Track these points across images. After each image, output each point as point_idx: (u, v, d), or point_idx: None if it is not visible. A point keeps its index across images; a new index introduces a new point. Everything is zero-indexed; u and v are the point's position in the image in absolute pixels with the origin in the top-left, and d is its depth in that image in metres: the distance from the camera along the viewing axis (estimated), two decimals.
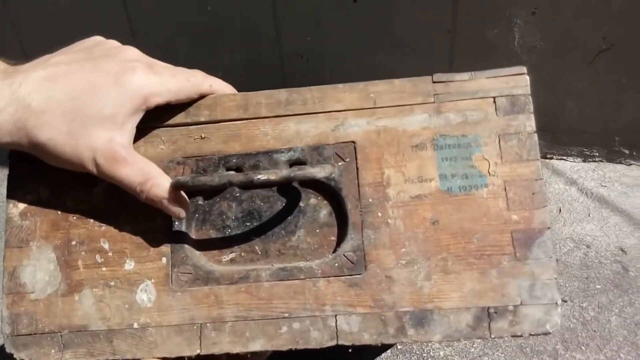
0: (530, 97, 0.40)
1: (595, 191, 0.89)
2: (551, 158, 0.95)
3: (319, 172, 0.38)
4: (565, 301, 0.75)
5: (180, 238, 0.42)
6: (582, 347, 0.70)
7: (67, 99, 0.36)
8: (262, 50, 0.96)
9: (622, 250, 0.80)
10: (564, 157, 0.95)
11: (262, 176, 0.37)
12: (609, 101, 0.86)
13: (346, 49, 0.92)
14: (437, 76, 0.41)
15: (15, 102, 0.35)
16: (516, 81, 0.40)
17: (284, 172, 0.37)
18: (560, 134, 0.92)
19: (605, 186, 0.90)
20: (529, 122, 0.40)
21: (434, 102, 0.41)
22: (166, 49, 0.97)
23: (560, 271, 0.78)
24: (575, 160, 0.94)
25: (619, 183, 0.90)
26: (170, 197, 0.39)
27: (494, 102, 0.40)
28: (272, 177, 0.37)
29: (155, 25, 0.95)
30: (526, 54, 0.84)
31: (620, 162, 0.92)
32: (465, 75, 0.41)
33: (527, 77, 0.40)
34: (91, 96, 0.37)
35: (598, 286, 0.76)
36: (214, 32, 0.94)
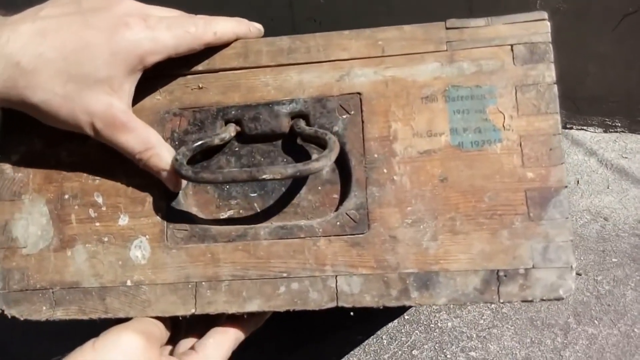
0: (550, 45, 0.37)
1: (616, 162, 0.86)
2: (571, 128, 0.92)
3: (324, 164, 0.36)
4: (579, 274, 0.73)
5: (176, 193, 0.40)
6: (595, 321, 0.68)
7: (58, 58, 0.35)
8: (274, 14, 0.94)
9: None
10: (584, 127, 0.92)
11: (267, 175, 0.35)
12: (634, 67, 0.83)
13: (360, 12, 0.89)
14: (451, 22, 0.38)
15: (3, 60, 0.34)
16: (536, 27, 0.37)
17: (289, 170, 0.35)
18: (582, 102, 0.89)
19: (627, 157, 0.87)
20: (549, 72, 0.37)
21: (446, 50, 0.38)
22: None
23: (576, 244, 0.76)
24: (596, 131, 0.91)
25: None
26: (169, 172, 0.38)
27: (512, 50, 0.37)
28: (277, 176, 0.35)
29: None
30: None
31: None
32: (480, 21, 0.38)
33: (548, 23, 0.38)
34: (83, 56, 0.35)
35: (614, 259, 0.74)
36: None
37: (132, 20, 0.36)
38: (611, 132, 0.91)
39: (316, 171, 0.36)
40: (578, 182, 0.85)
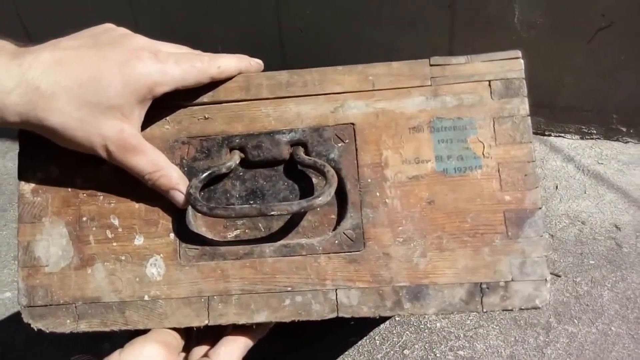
0: (524, 81, 0.41)
1: (592, 168, 0.90)
2: (549, 135, 0.96)
3: (325, 199, 0.39)
4: (559, 276, 0.77)
5: (186, 215, 0.43)
6: (575, 320, 0.72)
7: (74, 86, 0.37)
8: (261, 24, 0.96)
9: (617, 227, 0.82)
10: (562, 134, 0.96)
11: (275, 212, 0.39)
12: (607, 79, 0.87)
13: (346, 23, 0.92)
14: (434, 59, 0.42)
15: (24, 84, 0.36)
16: (511, 65, 0.41)
17: (294, 207, 0.39)
18: (558, 110, 0.93)
19: (602, 163, 0.91)
20: (523, 106, 0.41)
21: (431, 85, 0.42)
22: (164, 22, 0.97)
23: (555, 247, 0.80)
24: (573, 138, 0.95)
25: (615, 160, 0.91)
26: (176, 191, 0.42)
27: (489, 85, 0.41)
28: (284, 212, 0.39)
29: None
30: (526, 30, 0.84)
31: (617, 140, 0.93)
32: (461, 59, 0.42)
33: (522, 61, 0.41)
34: (97, 85, 0.38)
35: (592, 262, 0.78)
36: (213, 4, 0.93)
37: (143, 54, 0.39)
38: (587, 139, 0.95)
39: (318, 206, 0.40)
40: (557, 187, 0.89)
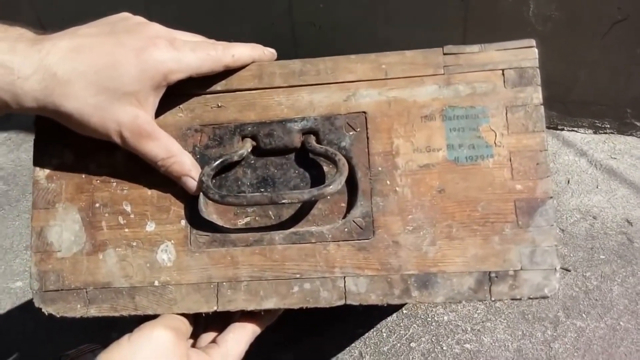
0: (538, 70, 0.41)
1: (605, 163, 0.90)
2: (562, 129, 0.96)
3: (336, 188, 0.40)
4: (569, 270, 0.76)
5: (198, 202, 0.44)
6: (583, 315, 0.72)
7: (90, 72, 0.38)
8: (274, 19, 0.96)
9: (628, 222, 0.81)
10: (575, 129, 0.95)
11: (286, 200, 0.39)
12: (622, 73, 0.86)
13: (359, 17, 0.92)
14: (448, 48, 0.42)
15: (42, 70, 0.37)
16: (525, 54, 0.41)
17: (305, 195, 0.39)
18: (572, 105, 0.92)
19: (615, 158, 0.90)
20: (536, 94, 0.41)
21: (444, 74, 0.42)
22: (178, 18, 0.98)
23: (566, 241, 0.80)
24: (586, 132, 0.95)
25: (628, 155, 0.90)
26: (189, 177, 0.42)
27: (503, 74, 0.41)
28: (295, 201, 0.40)
29: None
30: (540, 24, 0.84)
31: (631, 134, 0.93)
32: (475, 48, 0.42)
33: (536, 50, 0.41)
34: (113, 71, 0.38)
35: (602, 256, 0.78)
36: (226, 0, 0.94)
37: (159, 42, 0.40)
38: (600, 133, 0.94)
39: (329, 195, 0.40)
40: (569, 181, 0.88)
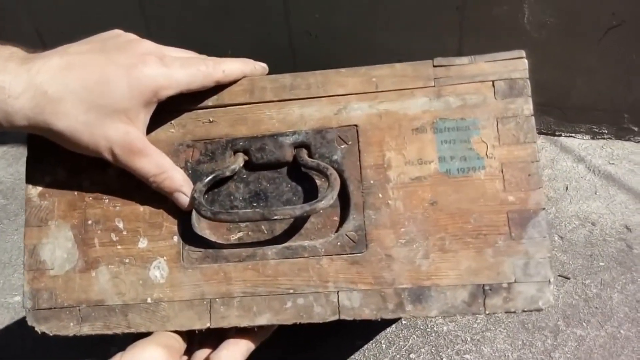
0: (528, 81, 0.41)
1: (603, 169, 0.89)
2: (559, 135, 0.95)
3: (328, 203, 0.40)
4: (568, 278, 0.76)
5: (190, 218, 0.44)
6: (584, 324, 0.71)
7: (80, 89, 0.38)
8: (270, 28, 0.97)
9: (627, 228, 0.81)
10: (573, 135, 0.95)
11: (278, 216, 0.39)
12: (619, 78, 0.86)
13: (355, 26, 0.92)
14: (437, 60, 0.42)
15: (32, 88, 0.37)
16: (515, 65, 0.41)
17: (297, 211, 0.39)
18: (569, 111, 0.92)
19: (613, 164, 0.90)
20: (527, 105, 0.41)
21: (434, 86, 0.42)
22: (176, 29, 0.98)
23: (565, 249, 0.79)
24: (584, 138, 0.94)
25: (627, 161, 0.90)
26: (180, 193, 0.42)
27: (493, 85, 0.41)
28: (287, 217, 0.40)
29: (165, 3, 0.96)
30: (536, 30, 0.84)
31: (629, 140, 0.92)
32: (465, 60, 0.41)
33: (526, 61, 0.41)
34: (104, 88, 0.38)
35: (602, 263, 0.77)
36: (223, 10, 0.94)
37: (149, 58, 0.40)
38: (598, 139, 0.94)
39: (321, 210, 0.40)
40: (567, 188, 0.88)
